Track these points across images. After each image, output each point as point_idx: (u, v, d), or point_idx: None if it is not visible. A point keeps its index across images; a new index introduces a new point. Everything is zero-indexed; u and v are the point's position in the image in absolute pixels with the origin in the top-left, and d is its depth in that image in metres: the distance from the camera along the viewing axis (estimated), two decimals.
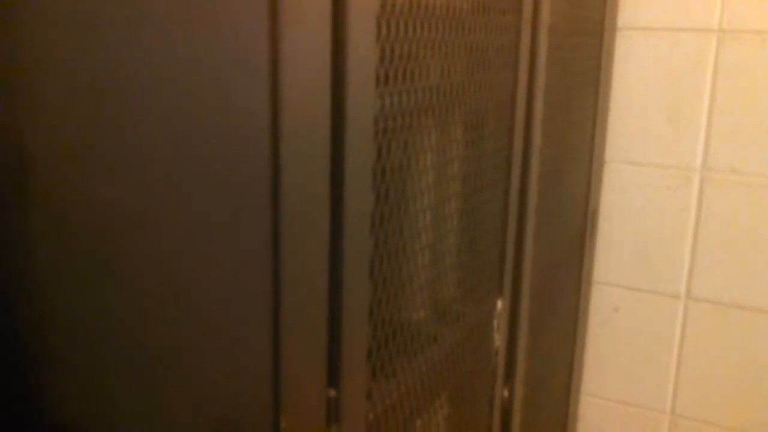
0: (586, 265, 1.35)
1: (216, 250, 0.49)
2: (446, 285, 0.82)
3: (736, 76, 1.26)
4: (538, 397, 1.21)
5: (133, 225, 0.52)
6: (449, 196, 0.77)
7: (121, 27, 0.49)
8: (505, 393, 0.97)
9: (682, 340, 1.37)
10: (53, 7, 0.51)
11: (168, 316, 0.53)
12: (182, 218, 0.50)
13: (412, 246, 0.70)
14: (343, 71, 0.51)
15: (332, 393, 0.56)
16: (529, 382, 1.13)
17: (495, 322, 0.90)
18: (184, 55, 0.47)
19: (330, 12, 0.49)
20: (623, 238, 1.37)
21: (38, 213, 0.56)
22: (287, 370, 0.50)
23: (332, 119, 0.51)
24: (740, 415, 1.36)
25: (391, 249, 0.63)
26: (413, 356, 0.73)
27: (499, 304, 0.90)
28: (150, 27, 0.48)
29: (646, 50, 1.30)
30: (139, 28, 0.48)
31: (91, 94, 0.51)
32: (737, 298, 1.31)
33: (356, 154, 0.53)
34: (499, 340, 0.91)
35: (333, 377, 0.56)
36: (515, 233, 0.91)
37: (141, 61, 0.49)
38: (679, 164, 1.31)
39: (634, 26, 1.30)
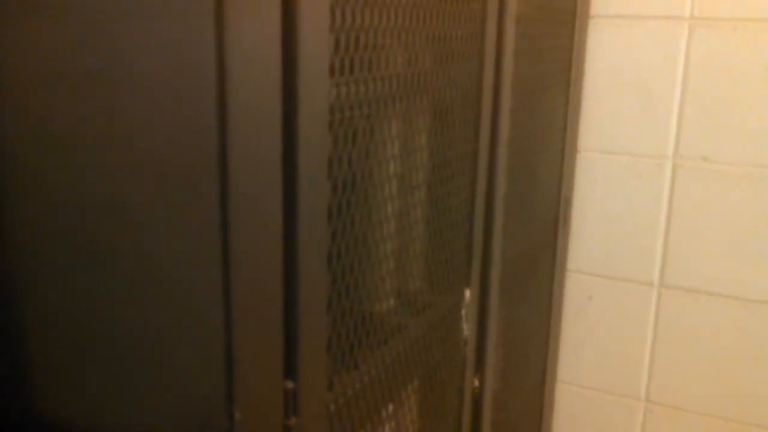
0: (560, 253, 1.35)
1: (167, 239, 0.49)
2: (412, 276, 0.82)
3: (709, 64, 1.26)
4: (512, 385, 1.21)
5: (105, 213, 0.52)
6: (414, 186, 0.77)
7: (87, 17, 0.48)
8: (476, 382, 0.97)
9: (656, 327, 1.38)
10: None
11: (129, 308, 0.52)
12: (136, 209, 0.50)
13: (374, 236, 0.69)
14: (295, 61, 0.50)
15: (290, 385, 0.56)
16: (502, 370, 1.13)
17: (463, 312, 0.90)
18: (137, 46, 0.47)
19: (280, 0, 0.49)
20: (597, 227, 1.38)
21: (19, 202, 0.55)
22: (240, 361, 0.50)
23: (283, 109, 0.50)
24: (714, 401, 1.37)
25: (351, 240, 0.63)
26: (378, 347, 0.73)
27: (467, 294, 0.90)
28: (108, 18, 0.47)
29: (618, 38, 1.30)
30: (100, 20, 0.48)
31: (68, 84, 0.50)
32: (710, 285, 1.32)
33: (310, 144, 0.53)
34: (468, 330, 0.91)
35: (290, 369, 0.56)
36: (483, 223, 0.91)
37: (107, 52, 0.48)
38: (652, 153, 1.32)
39: (605, 14, 1.30)
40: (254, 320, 0.51)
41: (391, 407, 0.78)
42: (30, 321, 0.57)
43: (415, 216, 0.78)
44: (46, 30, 0.50)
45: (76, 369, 0.56)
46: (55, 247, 0.54)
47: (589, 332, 1.43)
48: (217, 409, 0.50)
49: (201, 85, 0.45)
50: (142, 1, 0.46)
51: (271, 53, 0.49)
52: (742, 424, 1.36)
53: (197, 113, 0.46)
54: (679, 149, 1.30)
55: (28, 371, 0.59)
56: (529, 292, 1.24)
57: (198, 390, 0.51)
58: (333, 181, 0.58)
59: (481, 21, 0.84)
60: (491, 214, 0.92)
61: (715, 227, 1.30)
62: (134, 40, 0.47)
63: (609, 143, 1.34)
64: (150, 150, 0.48)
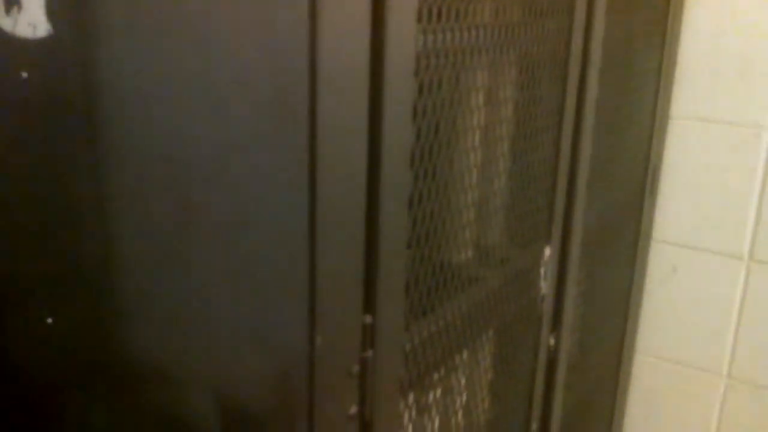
0: (645, 222, 1.33)
1: (259, 173, 0.52)
2: (492, 228, 0.83)
3: None
4: (589, 350, 1.21)
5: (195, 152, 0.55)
6: (498, 139, 0.78)
7: None
8: (551, 341, 0.97)
9: (743, 302, 1.34)
10: None
11: (219, 240, 0.56)
12: (230, 148, 0.53)
13: (455, 185, 0.71)
14: (383, 5, 0.52)
15: (368, 319, 0.59)
16: (579, 333, 1.13)
17: (542, 270, 0.91)
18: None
19: None
20: (685, 197, 1.34)
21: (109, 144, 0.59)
22: (323, 292, 0.53)
23: (371, 53, 0.52)
24: None
25: (432, 186, 0.65)
26: (454, 295, 0.75)
27: (547, 251, 0.91)
28: None
29: (718, 1, 1.25)
30: None
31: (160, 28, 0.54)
32: None
33: (395, 88, 0.55)
34: (546, 287, 0.92)
35: (369, 304, 0.58)
36: (566, 182, 0.91)
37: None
38: (749, 122, 1.27)
39: None
40: (337, 254, 0.54)
41: (465, 354, 0.80)
42: (126, 259, 0.62)
43: (497, 169, 0.79)
44: None
45: (167, 303, 0.60)
46: (150, 190, 0.58)
47: (671, 304, 1.41)
48: (299, 335, 0.53)
49: (293, 28, 0.48)
50: None
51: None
52: None
53: (289, 53, 0.48)
54: None
55: (126, 311, 0.63)
56: (611, 257, 1.23)
57: (283, 317, 0.54)
58: (417, 127, 0.60)
59: None
60: (575, 173, 0.92)
61: None
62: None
63: (703, 110, 1.30)
64: (245, 86, 0.50)
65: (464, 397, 0.83)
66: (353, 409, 0.59)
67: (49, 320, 0.69)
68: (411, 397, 0.70)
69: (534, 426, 0.98)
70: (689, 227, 1.36)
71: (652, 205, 1.35)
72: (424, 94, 0.61)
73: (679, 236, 1.37)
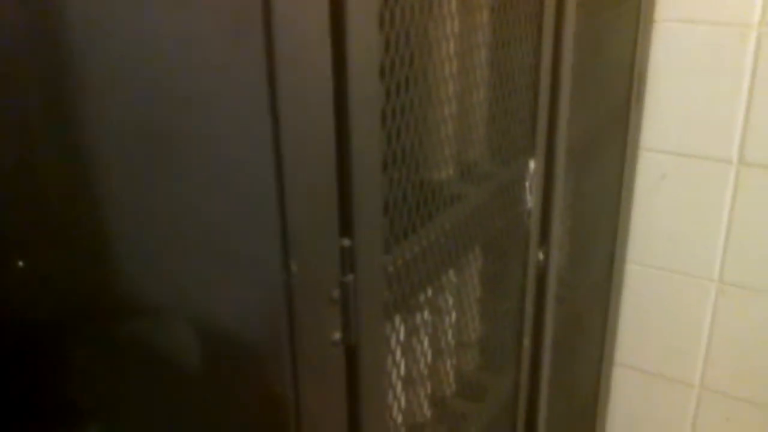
0: (632, 130, 1.30)
1: (215, 98, 0.49)
2: (473, 143, 0.81)
3: None
4: (579, 263, 1.20)
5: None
6: (474, 47, 0.74)
7: None
8: (540, 255, 0.96)
9: (733, 206, 1.33)
10: None
11: (189, 169, 0.53)
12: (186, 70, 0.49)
13: (431, 98, 0.68)
14: None
15: (346, 242, 0.56)
16: (568, 247, 1.12)
17: (527, 184, 0.88)
18: None
19: None
20: (672, 102, 1.31)
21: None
22: (294, 213, 0.50)
23: None
24: None
25: (406, 99, 0.62)
26: (436, 214, 0.72)
27: (532, 164, 0.88)
28: None
29: None
30: None
31: None
32: None
33: None
34: (531, 201, 0.90)
35: (345, 227, 0.56)
36: (548, 92, 0.88)
37: None
38: (735, 21, 1.23)
39: None
40: (306, 176, 0.51)
41: (452, 274, 0.79)
42: (95, 192, 0.59)
43: (475, 80, 0.75)
44: None
45: (139, 235, 0.58)
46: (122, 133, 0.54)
47: (661, 212, 1.39)
48: (274, 261, 0.51)
49: None
50: None
51: None
52: None
53: None
54: (765, 16, 1.21)
55: (98, 246, 0.61)
56: (598, 168, 1.21)
57: (256, 242, 0.51)
58: (385, 36, 0.57)
59: None
60: (557, 83, 0.89)
61: None
62: None
63: (689, 12, 1.25)
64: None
65: (453, 317, 0.82)
66: (336, 335, 0.58)
67: (20, 263, 0.67)
68: (397, 320, 0.68)
69: (526, 342, 0.97)
70: (677, 133, 1.33)
71: (639, 113, 1.32)
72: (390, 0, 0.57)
73: (667, 143, 1.34)
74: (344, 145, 0.53)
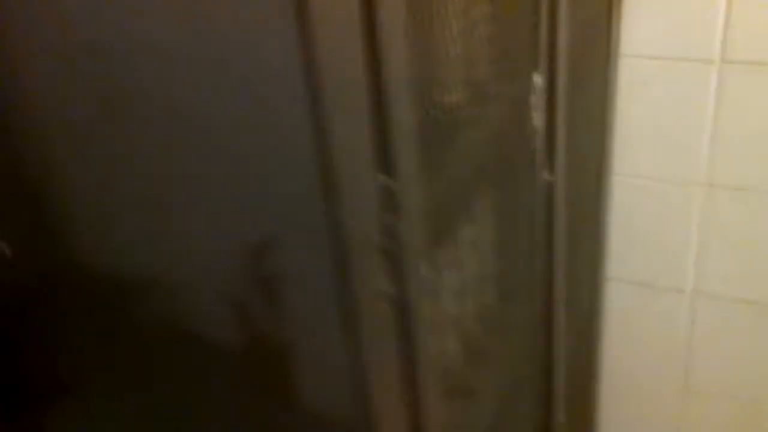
0: (613, 37, 1.25)
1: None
2: (479, 61, 0.75)
3: None
4: (575, 180, 1.16)
5: None
6: None
7: None
8: (547, 175, 0.92)
9: (717, 106, 1.30)
10: None
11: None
12: None
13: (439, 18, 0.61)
14: None
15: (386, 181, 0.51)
16: (567, 165, 1.08)
17: (532, 100, 0.83)
18: None
19: None
20: (650, 4, 1.26)
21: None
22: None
23: None
24: None
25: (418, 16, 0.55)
26: (455, 140, 0.67)
27: (536, 78, 0.83)
28: None
29: None
30: None
31: None
32: None
33: None
34: (538, 118, 0.85)
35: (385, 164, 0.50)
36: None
37: None
38: None
39: None
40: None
41: (476, 204, 0.74)
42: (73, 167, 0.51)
43: None
44: None
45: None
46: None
47: (644, 120, 1.36)
48: (312, 205, 0.45)
49: None
50: None
51: None
52: None
53: None
54: None
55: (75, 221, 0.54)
56: (585, 80, 1.16)
57: (292, 188, 0.45)
58: None
59: None
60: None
61: None
62: None
63: None
64: None
65: (480, 251, 0.77)
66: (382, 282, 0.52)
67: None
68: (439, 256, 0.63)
69: (537, 265, 0.94)
70: (657, 36, 1.29)
71: (618, 19, 1.27)
72: None
73: (647, 48, 1.30)
74: (375, 64, 0.47)
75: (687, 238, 1.42)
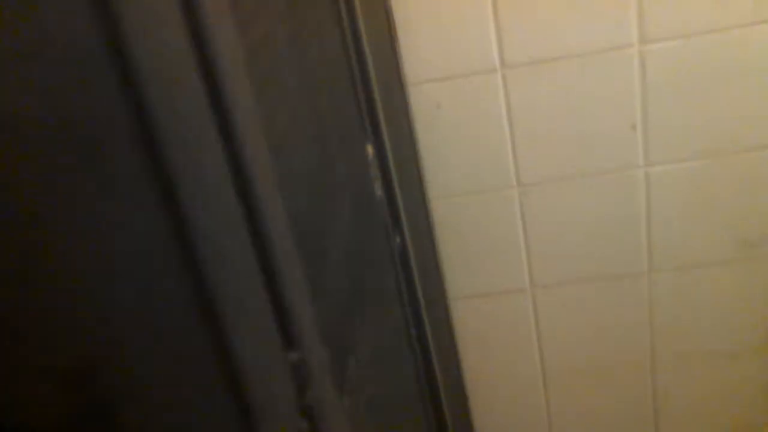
0: (401, 67, 1.24)
1: None
2: (315, 156, 0.68)
3: None
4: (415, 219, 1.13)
5: None
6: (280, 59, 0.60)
7: None
8: (398, 239, 0.87)
9: (509, 109, 1.33)
10: None
11: None
12: None
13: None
14: None
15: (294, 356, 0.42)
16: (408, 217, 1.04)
17: (372, 171, 0.78)
18: None
19: None
20: (424, 29, 1.27)
21: None
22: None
23: None
24: (580, 161, 1.38)
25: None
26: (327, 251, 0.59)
27: (369, 149, 0.77)
28: None
29: None
30: None
31: None
32: (548, 52, 1.29)
33: None
34: (378, 187, 0.80)
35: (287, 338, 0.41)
36: (358, 71, 0.77)
37: None
38: None
39: None
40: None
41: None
42: None
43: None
44: None
45: None
46: None
47: (446, 140, 1.37)
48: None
49: None
50: None
51: None
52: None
53: None
54: None
55: None
56: (395, 126, 1.13)
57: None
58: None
59: None
60: (362, 57, 0.78)
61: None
62: None
63: None
64: None
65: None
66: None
67: None
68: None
69: (413, 331, 0.89)
70: (438, 57, 1.29)
71: (398, 50, 1.26)
72: None
73: (433, 71, 1.30)
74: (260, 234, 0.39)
75: (515, 239, 1.45)
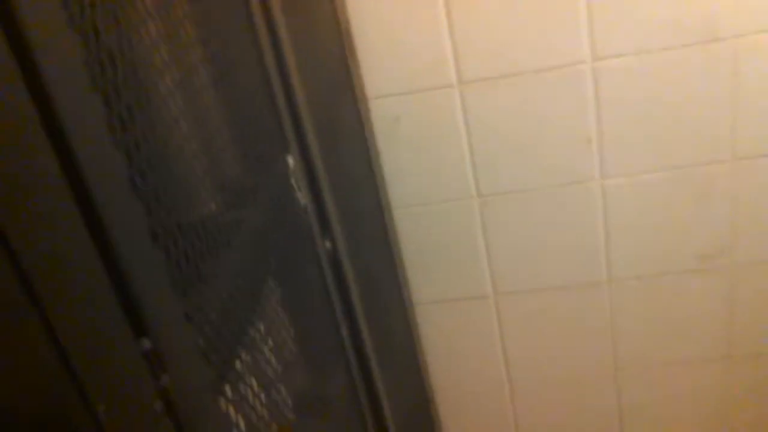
0: (357, 83, 1.30)
1: None
2: (229, 164, 0.74)
3: None
4: (359, 229, 1.19)
5: None
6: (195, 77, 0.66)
7: None
8: (328, 245, 0.93)
9: (467, 124, 1.39)
10: None
11: None
12: None
13: (174, 141, 0.60)
14: None
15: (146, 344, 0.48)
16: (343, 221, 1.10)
17: (293, 181, 0.84)
18: None
19: None
20: (381, 47, 1.33)
21: None
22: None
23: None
24: (540, 182, 1.43)
25: (149, 154, 0.53)
26: (224, 250, 0.65)
27: (290, 160, 0.83)
28: None
29: None
30: None
31: None
32: (506, 68, 1.34)
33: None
34: (303, 197, 0.86)
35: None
36: (280, 84, 0.83)
37: None
38: None
39: None
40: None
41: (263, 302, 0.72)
42: None
43: (207, 102, 0.68)
44: None
45: None
46: None
47: (405, 153, 1.42)
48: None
49: None
50: None
51: None
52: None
53: None
54: None
55: None
56: (341, 140, 1.19)
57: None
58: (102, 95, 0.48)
59: None
60: (285, 70, 0.84)
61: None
62: None
63: None
64: None
65: (271, 345, 0.76)
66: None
67: None
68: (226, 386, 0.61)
69: (344, 331, 0.94)
70: (396, 72, 1.35)
71: (357, 65, 1.32)
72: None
73: (391, 86, 1.36)
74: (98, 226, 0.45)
75: (475, 248, 1.50)
